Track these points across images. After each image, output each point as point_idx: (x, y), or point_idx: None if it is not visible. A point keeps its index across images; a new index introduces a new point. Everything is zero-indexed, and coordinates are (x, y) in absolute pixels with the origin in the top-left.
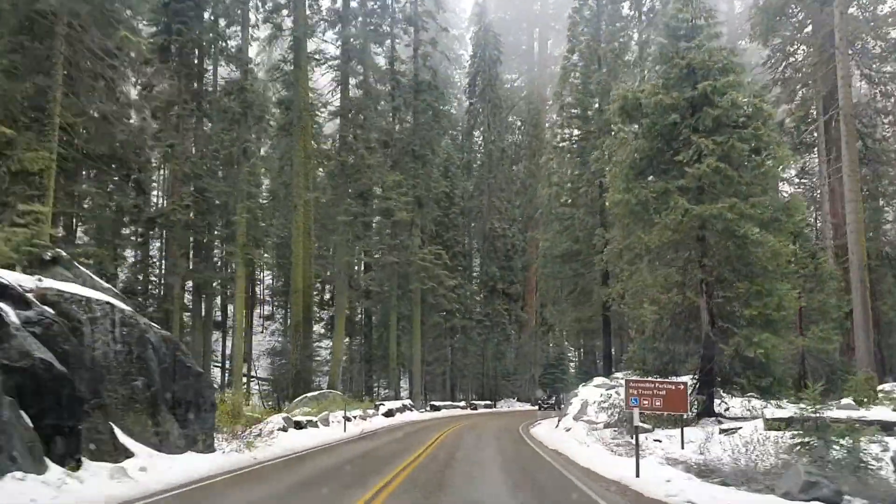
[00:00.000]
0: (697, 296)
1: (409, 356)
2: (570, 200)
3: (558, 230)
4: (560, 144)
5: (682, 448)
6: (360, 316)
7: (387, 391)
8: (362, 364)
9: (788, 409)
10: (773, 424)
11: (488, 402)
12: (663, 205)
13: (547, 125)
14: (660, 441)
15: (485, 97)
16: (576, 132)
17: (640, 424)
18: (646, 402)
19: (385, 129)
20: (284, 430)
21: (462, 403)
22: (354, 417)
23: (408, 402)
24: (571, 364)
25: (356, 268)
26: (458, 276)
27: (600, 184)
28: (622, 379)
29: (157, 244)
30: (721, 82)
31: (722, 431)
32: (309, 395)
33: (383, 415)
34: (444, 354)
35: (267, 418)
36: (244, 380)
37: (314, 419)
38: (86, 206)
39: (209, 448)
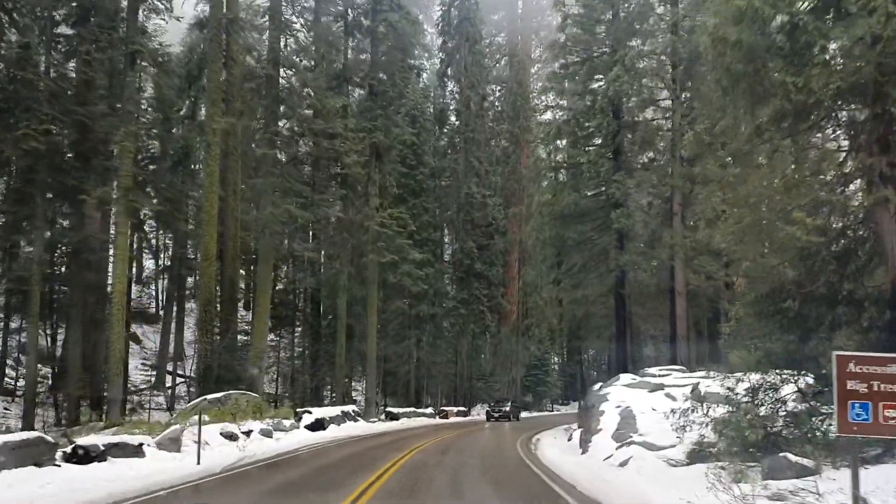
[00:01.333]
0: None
1: (362, 351)
2: (575, 140)
3: (558, 184)
4: (560, 71)
5: None
6: (301, 298)
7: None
8: (306, 362)
9: None
10: None
11: (462, 409)
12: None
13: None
14: None
15: (462, 31)
16: (575, 58)
17: None
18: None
19: (331, 43)
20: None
21: (429, 410)
22: (246, 434)
23: (351, 408)
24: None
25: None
26: (426, 252)
27: (616, 114)
28: (682, 376)
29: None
30: None
31: None
32: (210, 397)
33: (307, 427)
34: (409, 350)
35: None
36: (168, 380)
37: (138, 441)
38: None
39: None
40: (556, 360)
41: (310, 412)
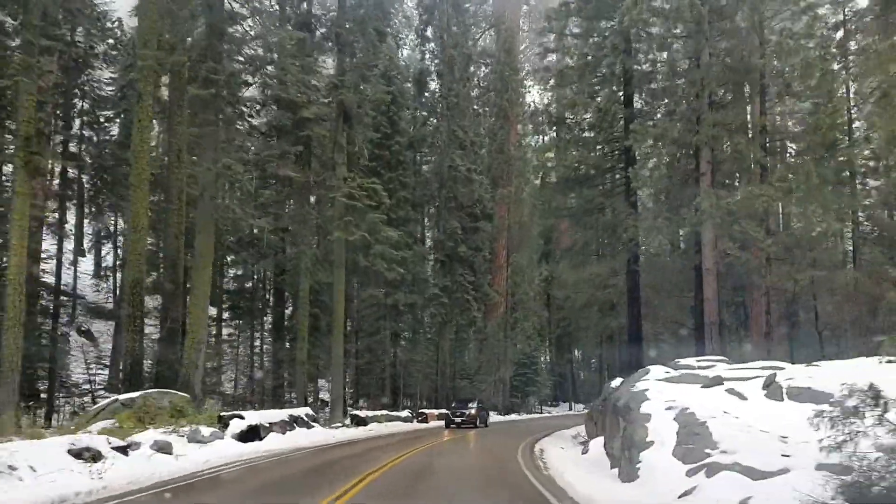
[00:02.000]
0: None
1: (329, 345)
2: (581, 87)
3: (560, 140)
4: (563, 8)
5: None
6: (263, 286)
7: (313, 396)
8: (264, 359)
9: None
10: None
11: (444, 411)
12: None
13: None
14: None
15: None
16: None
17: None
18: None
19: None
20: None
21: (405, 413)
22: (123, 450)
23: (304, 412)
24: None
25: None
26: (404, 233)
27: (629, 54)
28: (736, 368)
29: None
30: None
31: None
32: (123, 397)
33: (237, 437)
34: (384, 344)
35: None
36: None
37: None
38: None
39: None
40: (545, 358)
41: (241, 417)
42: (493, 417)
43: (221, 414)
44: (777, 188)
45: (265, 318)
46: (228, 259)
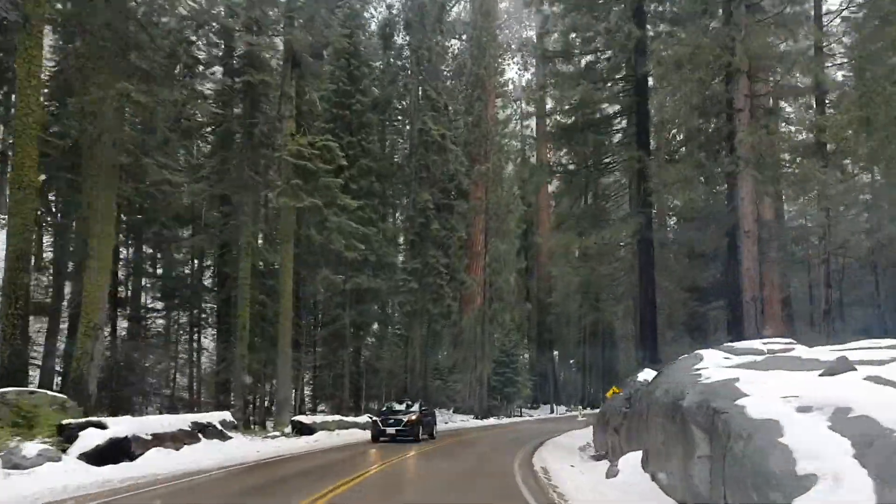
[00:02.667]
0: None
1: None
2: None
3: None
4: None
5: None
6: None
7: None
8: (201, 354)
9: None
10: None
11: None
12: None
13: None
14: None
15: None
16: None
17: None
18: None
19: None
20: None
21: (365, 418)
22: None
23: (219, 418)
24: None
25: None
26: (368, 208)
27: None
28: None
29: None
30: None
31: None
32: None
33: (88, 458)
34: (343, 337)
35: None
36: None
37: None
38: None
39: None
40: (525, 356)
41: (101, 426)
42: (471, 422)
43: (66, 422)
44: (847, 118)
45: (204, 307)
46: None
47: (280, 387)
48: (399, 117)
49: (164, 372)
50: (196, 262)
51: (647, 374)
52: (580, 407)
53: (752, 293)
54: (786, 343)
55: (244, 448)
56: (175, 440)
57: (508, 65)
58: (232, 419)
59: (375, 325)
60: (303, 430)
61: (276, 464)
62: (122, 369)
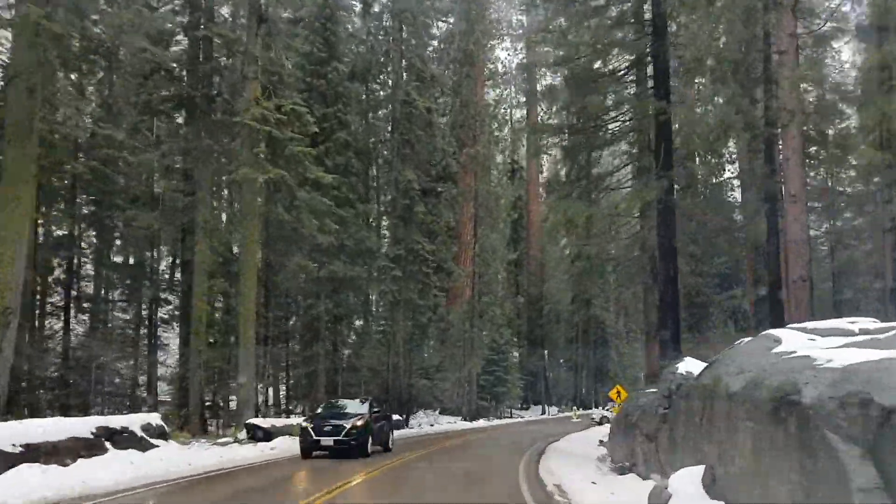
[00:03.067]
0: None
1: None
2: None
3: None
4: None
5: None
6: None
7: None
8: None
9: None
10: None
11: (397, 418)
12: None
13: None
14: None
15: None
16: None
17: None
18: None
19: None
20: None
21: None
22: None
23: (142, 421)
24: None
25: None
26: (346, 187)
27: None
28: None
29: None
30: None
31: None
32: None
33: None
34: (317, 330)
35: None
36: None
37: None
38: None
39: None
40: (515, 354)
41: None
42: (459, 424)
43: None
44: None
45: (168, 298)
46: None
47: (242, 386)
48: (381, 92)
49: (125, 370)
50: (156, 250)
51: (688, 365)
52: (575, 408)
53: (801, 272)
54: (881, 323)
55: (170, 460)
56: (65, 452)
57: (498, 42)
58: (160, 423)
59: (359, 322)
60: (258, 435)
61: (196, 483)
62: (79, 367)
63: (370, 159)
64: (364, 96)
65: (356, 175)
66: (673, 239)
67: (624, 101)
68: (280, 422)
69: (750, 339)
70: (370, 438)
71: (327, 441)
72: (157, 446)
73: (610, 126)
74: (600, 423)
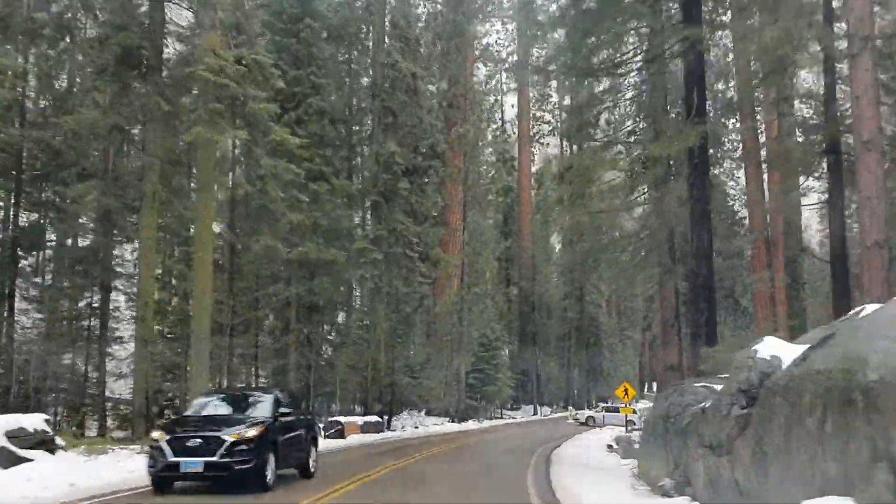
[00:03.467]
0: None
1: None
2: None
3: None
4: None
5: None
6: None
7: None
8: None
9: None
10: None
11: (376, 420)
12: None
13: None
14: None
15: None
16: None
17: None
18: None
19: None
20: None
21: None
22: None
23: (5, 427)
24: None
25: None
26: (318, 159)
27: None
28: None
29: None
30: None
31: None
32: None
33: None
34: (287, 319)
35: None
36: None
37: None
38: None
39: None
40: (506, 351)
41: None
42: (447, 426)
43: None
44: None
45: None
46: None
47: (194, 382)
48: (362, 57)
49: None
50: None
51: (771, 347)
52: (570, 408)
53: (877, 235)
54: None
55: (39, 481)
56: None
57: (490, 25)
58: (43, 428)
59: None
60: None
61: None
62: (24, 363)
63: (350, 132)
64: (342, 57)
65: (332, 147)
66: (708, 202)
67: (645, 24)
68: None
69: (875, 307)
70: (272, 459)
71: (194, 466)
72: (31, 460)
73: (624, 66)
74: (586, 424)
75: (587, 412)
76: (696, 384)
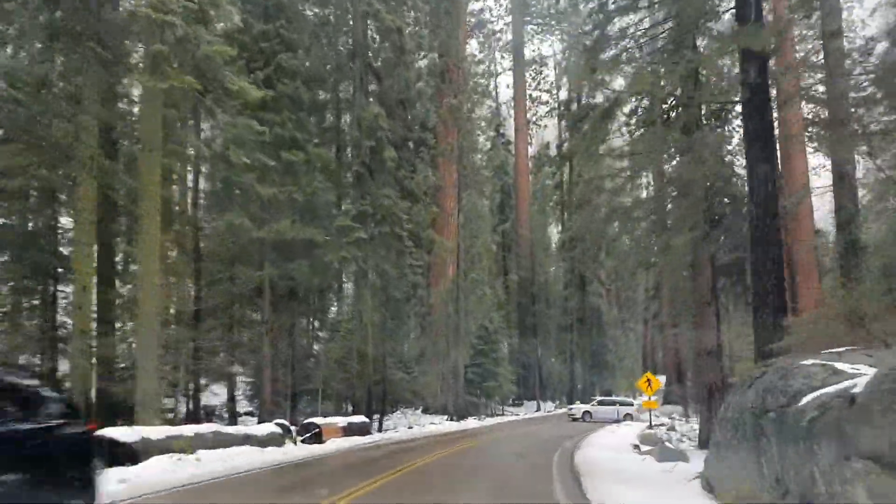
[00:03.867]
0: None
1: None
2: None
3: None
4: None
5: None
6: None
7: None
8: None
9: None
10: None
11: (362, 421)
12: None
13: None
14: None
15: None
16: None
17: None
18: None
19: None
20: None
21: (268, 429)
22: None
23: None
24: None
25: None
26: (290, 123)
27: None
28: None
29: None
30: None
31: None
32: None
33: None
34: (261, 309)
35: None
36: None
37: None
38: None
39: None
40: (506, 343)
41: None
42: (445, 425)
43: None
44: None
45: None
46: None
47: (140, 378)
48: (344, 15)
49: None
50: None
51: None
52: (577, 403)
53: None
54: None
55: None
56: None
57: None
58: None
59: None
60: (118, 454)
61: None
62: None
63: (331, 98)
64: (318, 10)
65: (307, 112)
66: (771, 129)
67: None
68: (157, 433)
69: None
70: None
71: None
72: None
73: None
74: (583, 419)
75: (583, 406)
76: (804, 363)
